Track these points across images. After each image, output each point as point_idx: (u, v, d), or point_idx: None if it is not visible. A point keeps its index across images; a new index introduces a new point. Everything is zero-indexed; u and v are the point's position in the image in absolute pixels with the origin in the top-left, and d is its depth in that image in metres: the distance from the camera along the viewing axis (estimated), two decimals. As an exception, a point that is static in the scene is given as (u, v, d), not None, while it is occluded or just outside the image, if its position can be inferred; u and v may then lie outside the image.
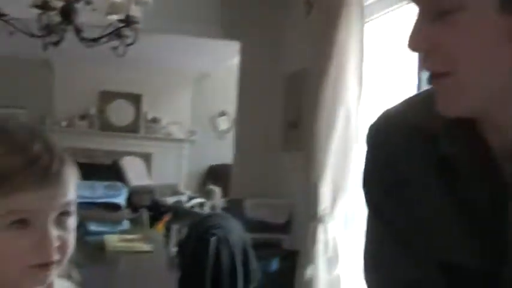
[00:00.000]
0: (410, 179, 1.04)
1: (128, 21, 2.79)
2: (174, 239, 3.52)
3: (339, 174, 3.77)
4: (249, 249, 2.65)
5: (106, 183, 3.80)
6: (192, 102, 10.38)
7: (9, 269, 1.01)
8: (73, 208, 1.06)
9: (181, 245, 2.94)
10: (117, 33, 3.02)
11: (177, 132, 10.35)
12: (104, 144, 10.14)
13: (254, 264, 2.69)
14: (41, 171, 0.99)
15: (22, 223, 0.99)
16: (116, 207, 3.59)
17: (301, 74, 4.57)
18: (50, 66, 10.06)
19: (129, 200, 7.05)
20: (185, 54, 8.74)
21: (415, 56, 1.09)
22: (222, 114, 10.40)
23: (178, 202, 6.26)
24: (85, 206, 3.46)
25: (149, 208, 7.08)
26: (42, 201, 0.99)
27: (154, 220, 4.97)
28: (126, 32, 3.03)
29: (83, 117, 10.21)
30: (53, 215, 1.01)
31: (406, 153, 1.05)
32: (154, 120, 10.33)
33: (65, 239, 1.03)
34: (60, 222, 1.03)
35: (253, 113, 5.25)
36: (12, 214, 0.98)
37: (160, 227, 4.93)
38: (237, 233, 2.61)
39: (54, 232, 1.01)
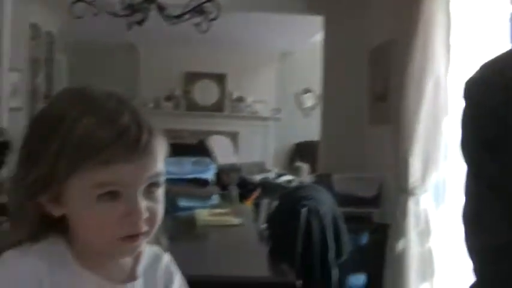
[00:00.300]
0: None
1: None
2: (263, 212, 3.52)
3: (429, 146, 3.68)
4: (340, 221, 2.62)
5: (194, 159, 3.82)
6: (277, 80, 10.37)
7: (99, 241, 1.02)
8: (161, 179, 1.05)
9: (271, 217, 2.94)
10: (199, 10, 3.01)
11: (262, 110, 10.36)
12: (190, 124, 10.27)
13: (345, 236, 2.65)
14: (131, 144, 0.97)
15: (111, 195, 0.98)
16: (204, 182, 3.61)
17: (387, 46, 4.48)
18: (135, 49, 10.26)
19: (217, 178, 7.15)
20: (269, 32, 8.73)
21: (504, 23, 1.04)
22: (307, 91, 10.35)
23: (266, 179, 6.28)
24: (173, 182, 3.50)
25: (237, 186, 7.15)
26: (132, 173, 0.98)
27: (242, 198, 5.01)
28: (209, 7, 3.02)
29: (168, 98, 10.37)
30: (142, 187, 1.00)
31: (505, 106, 1.00)
32: (240, 99, 10.38)
33: (154, 210, 1.02)
34: (149, 193, 1.02)
35: (340, 87, 5.19)
36: (101, 187, 0.97)
37: (249, 203, 4.96)
38: (327, 204, 2.58)
39: (144, 203, 1.00)
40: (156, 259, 1.17)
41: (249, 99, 10.37)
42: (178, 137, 10.48)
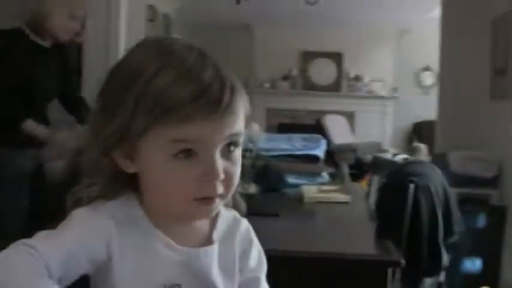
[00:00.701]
0: None
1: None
2: (374, 190, 3.43)
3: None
4: (451, 200, 2.50)
5: (304, 135, 3.76)
6: (394, 58, 10.12)
7: (172, 202, 0.98)
8: (240, 139, 0.99)
9: (379, 194, 2.85)
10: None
11: (380, 89, 10.17)
12: (306, 104, 10.24)
13: (456, 215, 2.53)
14: (212, 102, 0.92)
15: (187, 154, 0.94)
16: (314, 159, 3.55)
17: (509, 16, 4.23)
18: (250, 30, 10.32)
19: (332, 158, 7.08)
20: (385, 9, 8.54)
21: None
22: (426, 69, 10.06)
23: (378, 156, 6.14)
24: (283, 159, 3.47)
25: (352, 167, 7.05)
26: (210, 132, 0.93)
27: (356, 178, 4.90)
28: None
29: (285, 78, 10.37)
30: (220, 146, 0.95)
31: None
32: (357, 78, 10.23)
33: (231, 171, 0.98)
34: (227, 153, 0.97)
35: (458, 61, 4.97)
36: (177, 144, 0.93)
37: (363, 183, 4.86)
38: (438, 181, 2.46)
39: (221, 164, 0.95)
40: (235, 224, 1.12)
41: (366, 78, 10.20)
42: (295, 116, 10.51)
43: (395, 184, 2.42)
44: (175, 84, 0.92)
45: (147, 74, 0.93)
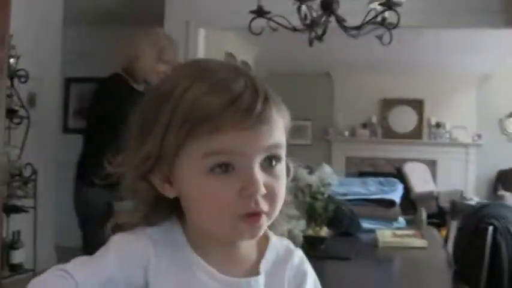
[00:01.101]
0: None
1: (389, 3, 2.65)
2: (452, 235, 3.30)
3: None
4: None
5: (380, 178, 3.69)
6: (477, 104, 9.88)
7: (214, 220, 0.93)
8: (282, 152, 0.95)
9: (456, 238, 2.73)
10: (379, 21, 2.90)
11: (462, 136, 9.92)
12: (386, 152, 10.12)
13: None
14: (244, 110, 0.88)
15: (225, 168, 0.90)
16: (390, 203, 3.47)
17: None
18: (329, 77, 10.34)
19: (413, 206, 6.91)
20: (466, 54, 8.39)
21: None
22: (511, 115, 9.78)
23: (457, 201, 5.94)
24: (358, 203, 3.40)
25: (433, 215, 6.85)
26: (245, 142, 0.89)
27: (438, 226, 4.73)
28: (390, 17, 2.90)
29: (364, 125, 10.28)
30: (259, 159, 0.91)
31: None
32: (438, 125, 10.03)
33: (273, 186, 0.93)
34: (268, 168, 0.93)
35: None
36: (211, 157, 0.89)
37: (443, 231, 4.69)
38: (518, 223, 2.34)
39: (261, 177, 0.90)
40: (286, 255, 1.05)
41: (448, 125, 9.98)
42: (375, 165, 10.39)
43: (472, 227, 2.31)
44: (205, 95, 0.89)
45: (179, 89, 0.92)
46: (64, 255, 3.23)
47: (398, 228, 3.35)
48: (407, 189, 6.55)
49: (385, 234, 3.06)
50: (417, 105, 10.13)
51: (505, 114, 9.86)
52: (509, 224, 2.26)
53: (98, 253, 0.94)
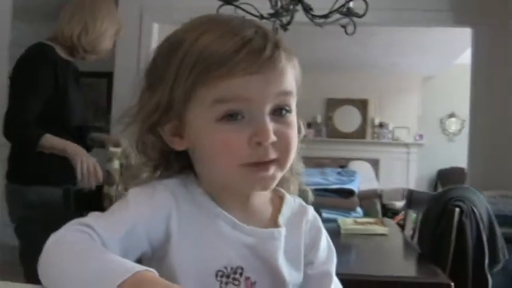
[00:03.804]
0: None
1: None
2: (409, 221, 3.40)
3: None
4: (495, 225, 2.46)
5: (339, 169, 3.75)
6: (419, 105, 10.12)
7: (224, 171, 0.92)
8: (292, 102, 0.94)
9: (421, 220, 2.81)
10: (345, 12, 2.96)
11: (405, 136, 10.15)
12: (331, 151, 10.22)
13: (501, 242, 2.48)
14: (253, 54, 0.87)
15: (234, 116, 0.89)
16: (349, 193, 3.53)
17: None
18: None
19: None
20: (411, 55, 8.58)
21: None
22: (451, 116, 10.05)
23: (412, 191, 6.05)
24: (318, 193, 3.44)
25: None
26: (254, 87, 0.87)
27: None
28: (356, 8, 2.97)
29: (309, 125, 10.36)
30: (268, 106, 0.90)
31: None
32: (381, 125, 10.23)
33: (284, 133, 0.91)
34: (278, 117, 0.91)
35: (490, 101, 4.93)
36: (220, 105, 0.88)
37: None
38: (482, 206, 2.43)
39: (271, 126, 0.89)
40: (301, 211, 1.07)
41: (391, 125, 10.19)
42: (319, 164, 10.45)
43: (439, 210, 2.39)
44: (215, 41, 0.88)
45: (189, 39, 0.90)
46: None
47: (357, 218, 3.41)
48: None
49: (347, 222, 3.12)
50: (361, 105, 10.30)
51: (445, 115, 10.13)
52: (474, 205, 2.34)
53: (115, 207, 0.92)
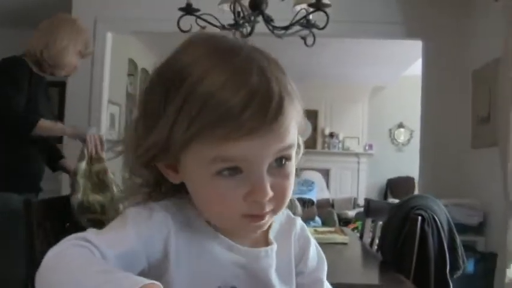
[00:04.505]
0: None
1: (319, 5, 2.71)
2: (368, 230, 3.44)
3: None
4: (455, 233, 2.51)
5: (298, 179, 3.78)
6: (369, 115, 10.28)
7: (220, 217, 0.92)
8: (293, 152, 0.90)
9: (382, 229, 2.85)
10: (305, 24, 2.98)
11: (354, 146, 10.28)
12: (282, 161, 10.27)
13: (461, 249, 2.54)
14: (259, 113, 0.82)
15: (232, 171, 0.86)
16: (308, 203, 3.56)
17: (491, 66, 4.34)
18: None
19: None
20: (361, 66, 8.70)
21: None
22: (400, 126, 10.22)
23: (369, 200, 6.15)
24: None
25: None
26: (258, 148, 0.84)
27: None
28: (314, 20, 3.00)
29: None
30: (268, 162, 0.86)
31: None
32: (332, 135, 10.34)
33: (282, 187, 0.89)
34: (277, 168, 0.88)
35: (440, 111, 5.04)
36: (220, 162, 0.85)
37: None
38: (442, 214, 2.48)
39: (269, 181, 0.86)
40: (289, 223, 1.07)
41: (341, 135, 10.31)
42: (270, 174, 10.52)
43: (400, 218, 2.42)
44: (222, 90, 0.82)
45: (194, 74, 0.85)
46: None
47: (316, 227, 3.45)
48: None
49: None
50: (312, 115, 10.38)
51: (394, 125, 10.30)
52: (435, 214, 2.38)
53: (114, 225, 0.90)
